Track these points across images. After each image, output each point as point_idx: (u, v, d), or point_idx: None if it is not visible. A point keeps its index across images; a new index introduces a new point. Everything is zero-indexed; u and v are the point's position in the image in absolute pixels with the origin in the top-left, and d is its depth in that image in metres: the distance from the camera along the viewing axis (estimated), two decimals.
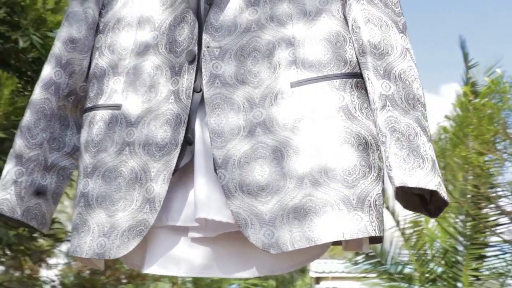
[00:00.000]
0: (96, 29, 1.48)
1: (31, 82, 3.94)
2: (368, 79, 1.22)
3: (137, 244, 1.27)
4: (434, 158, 1.15)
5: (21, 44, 3.59)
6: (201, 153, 1.29)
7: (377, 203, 1.17)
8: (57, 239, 4.60)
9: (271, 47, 1.30)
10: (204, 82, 1.30)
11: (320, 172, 1.19)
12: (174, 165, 1.27)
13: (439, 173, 1.14)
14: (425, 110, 1.20)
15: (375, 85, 1.20)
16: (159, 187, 1.27)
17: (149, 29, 1.42)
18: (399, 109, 1.18)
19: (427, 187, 1.11)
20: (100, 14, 1.50)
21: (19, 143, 1.39)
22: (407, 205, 1.21)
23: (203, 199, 1.26)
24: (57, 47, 1.45)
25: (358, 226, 1.15)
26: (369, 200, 1.17)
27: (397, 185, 1.12)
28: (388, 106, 1.18)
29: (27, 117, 1.41)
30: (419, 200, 1.22)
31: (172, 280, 9.80)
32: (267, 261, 1.27)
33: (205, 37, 1.33)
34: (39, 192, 1.40)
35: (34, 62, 3.95)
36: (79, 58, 1.46)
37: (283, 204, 1.20)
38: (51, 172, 1.43)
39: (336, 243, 1.32)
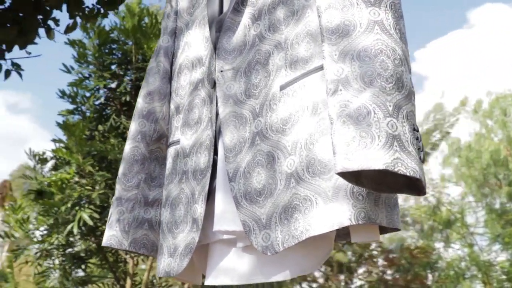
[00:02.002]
0: (170, 77, 1.68)
1: None
2: (325, 68, 1.17)
3: (194, 260, 1.45)
4: (396, 131, 1.04)
5: None
6: (220, 170, 1.40)
7: (354, 190, 1.14)
8: None
9: (267, 56, 1.37)
10: (219, 104, 1.41)
11: (303, 169, 1.21)
12: (207, 185, 1.41)
13: (404, 146, 1.04)
14: (390, 82, 1.09)
15: (328, 72, 1.15)
16: (200, 207, 1.41)
17: (198, 66, 1.57)
18: (352, 90, 1.10)
19: (372, 168, 1.01)
20: (171, 63, 1.69)
21: (117, 188, 1.61)
22: (380, 188, 1.13)
23: (219, 212, 1.37)
24: (139, 103, 1.66)
25: (333, 218, 1.14)
26: (345, 190, 1.15)
27: (338, 171, 1.05)
28: (340, 90, 1.11)
29: (122, 167, 1.63)
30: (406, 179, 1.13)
31: None
32: (297, 260, 1.31)
33: (218, 62, 1.44)
34: (144, 224, 1.59)
35: None
36: (158, 106, 1.65)
37: (275, 206, 1.25)
38: (154, 206, 1.62)
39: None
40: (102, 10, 4.00)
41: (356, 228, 1.26)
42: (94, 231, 7.22)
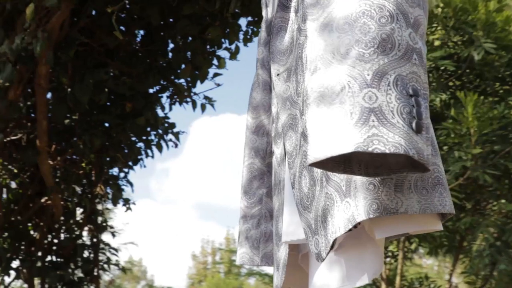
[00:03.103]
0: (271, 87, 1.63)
1: None
2: (306, 48, 1.08)
3: (305, 270, 1.43)
4: (376, 103, 0.91)
5: (476, 57, 4.25)
6: (286, 178, 1.36)
7: (364, 180, 1.04)
8: None
9: (303, 49, 1.26)
10: (278, 108, 1.37)
11: None
12: (283, 197, 1.37)
13: (385, 118, 0.91)
14: (371, 47, 0.96)
15: (307, 51, 1.05)
16: (280, 221, 1.40)
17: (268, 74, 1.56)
18: (329, 66, 0.98)
19: (339, 152, 0.90)
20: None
21: (242, 205, 1.62)
22: (378, 172, 1.02)
23: (285, 223, 1.34)
24: (247, 120, 1.63)
25: (347, 215, 1.05)
26: (355, 181, 1.06)
27: (308, 163, 0.97)
28: (319, 69, 1.00)
29: (243, 181, 1.62)
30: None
31: None
32: (371, 261, 1.23)
33: (273, 66, 1.38)
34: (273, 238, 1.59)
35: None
36: (265, 118, 1.60)
37: (317, 209, 1.17)
38: None
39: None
40: (255, 29, 4.25)
41: (377, 222, 1.12)
42: None
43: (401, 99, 0.92)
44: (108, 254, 5.72)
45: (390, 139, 0.88)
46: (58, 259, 5.35)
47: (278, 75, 1.36)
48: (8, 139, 4.76)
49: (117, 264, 5.71)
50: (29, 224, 5.43)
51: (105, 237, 5.88)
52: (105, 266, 5.67)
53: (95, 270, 5.49)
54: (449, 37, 6.32)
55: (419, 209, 1.05)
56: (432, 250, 6.82)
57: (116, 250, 5.69)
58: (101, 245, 5.60)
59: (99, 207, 5.63)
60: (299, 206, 1.24)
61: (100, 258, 5.68)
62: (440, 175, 1.11)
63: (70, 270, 5.29)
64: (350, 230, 1.10)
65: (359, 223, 1.08)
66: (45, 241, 5.35)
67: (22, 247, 5.30)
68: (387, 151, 0.87)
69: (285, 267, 1.38)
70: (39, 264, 5.24)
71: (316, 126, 0.96)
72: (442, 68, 6.11)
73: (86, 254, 5.51)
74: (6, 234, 5.21)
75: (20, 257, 5.23)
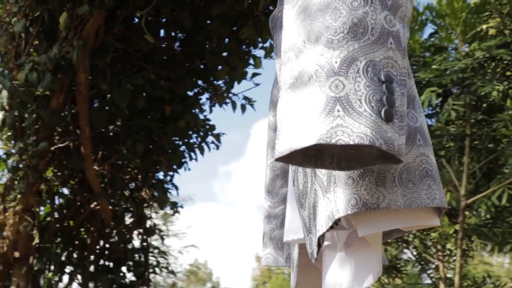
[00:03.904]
0: None
1: None
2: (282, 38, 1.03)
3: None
4: (342, 91, 0.85)
5: None
6: (290, 177, 1.35)
7: (342, 174, 1.00)
8: None
9: None
10: None
11: None
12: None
13: (352, 107, 0.85)
14: (340, 32, 0.90)
15: (282, 41, 1.02)
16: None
17: None
18: (299, 55, 0.95)
19: (300, 146, 0.85)
20: None
21: (265, 205, 1.59)
22: (351, 165, 0.96)
23: (287, 222, 1.33)
24: (269, 119, 1.58)
25: (327, 211, 1.02)
26: (334, 175, 1.02)
27: (275, 157, 0.91)
28: (290, 59, 0.97)
29: (266, 181, 1.59)
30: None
31: None
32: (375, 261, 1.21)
33: (277, 61, 1.34)
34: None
35: None
36: None
37: (309, 206, 1.14)
38: None
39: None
40: None
41: (360, 218, 1.05)
42: None
43: (370, 86, 0.86)
44: (162, 256, 5.76)
45: (355, 129, 0.82)
46: (110, 263, 5.45)
47: (280, 70, 1.32)
48: (56, 146, 4.89)
49: (167, 267, 5.76)
50: (82, 230, 5.55)
51: (169, 241, 5.94)
52: (156, 269, 5.72)
53: (146, 273, 5.54)
54: (505, 25, 6.05)
55: (404, 203, 0.98)
56: (494, 247, 6.55)
57: (165, 253, 5.74)
58: (151, 249, 5.66)
59: (148, 211, 5.69)
60: (297, 204, 1.20)
61: (158, 261, 5.74)
62: (429, 167, 1.03)
63: (121, 274, 5.37)
64: (331, 227, 1.04)
65: (339, 219, 1.02)
66: (97, 246, 5.46)
67: (75, 252, 5.43)
68: (351, 142, 0.81)
69: (297, 267, 1.34)
70: (91, 268, 5.35)
71: (283, 119, 0.91)
72: (498, 57, 5.85)
73: (137, 257, 5.59)
74: (58, 239, 5.35)
75: (73, 262, 5.35)
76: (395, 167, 1.00)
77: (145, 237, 5.63)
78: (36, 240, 4.88)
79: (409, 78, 1.11)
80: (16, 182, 4.70)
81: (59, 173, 5.20)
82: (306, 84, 0.90)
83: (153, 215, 5.85)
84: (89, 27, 3.83)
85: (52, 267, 5.14)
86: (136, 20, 3.96)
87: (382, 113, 0.84)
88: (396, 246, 7.48)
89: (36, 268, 5.03)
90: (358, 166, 0.95)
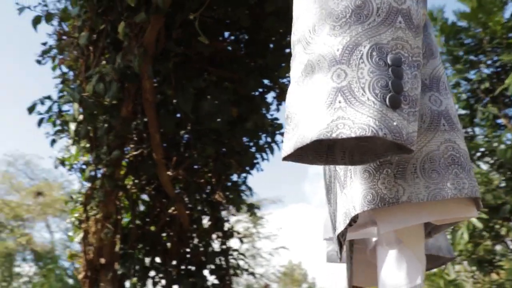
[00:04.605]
0: None
1: None
2: None
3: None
4: (344, 81, 0.80)
5: None
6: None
7: (359, 169, 0.96)
8: None
9: None
10: None
11: None
12: None
13: (354, 96, 0.79)
14: (342, 17, 0.86)
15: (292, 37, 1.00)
16: None
17: None
18: (307, 46, 0.91)
19: (301, 145, 0.80)
20: None
21: (326, 202, 1.68)
22: (366, 159, 0.89)
23: (324, 221, 1.32)
24: None
25: (345, 208, 0.97)
26: (350, 170, 0.99)
27: (282, 158, 0.88)
28: (298, 52, 0.93)
29: (325, 176, 1.64)
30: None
31: None
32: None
33: None
34: None
35: None
36: None
37: (334, 202, 1.11)
38: None
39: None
40: None
41: (380, 214, 0.99)
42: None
43: (375, 72, 0.80)
44: (241, 259, 5.77)
45: (357, 120, 0.76)
46: (191, 267, 5.51)
47: None
48: (131, 154, 5.02)
49: (247, 269, 5.75)
50: (163, 235, 5.66)
51: (261, 243, 5.99)
52: (238, 271, 5.73)
53: (227, 276, 5.56)
54: None
55: (427, 196, 0.89)
56: None
57: (244, 255, 5.73)
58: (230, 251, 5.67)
59: (225, 214, 5.71)
60: (326, 199, 1.18)
61: (238, 264, 5.76)
62: (456, 154, 0.93)
63: (203, 277, 5.42)
64: (350, 225, 0.98)
65: (357, 216, 0.97)
66: (178, 250, 5.54)
67: (157, 257, 5.54)
68: (353, 135, 0.75)
69: (349, 263, 1.30)
70: (174, 272, 5.44)
71: (289, 116, 0.87)
72: None
73: (218, 261, 5.62)
74: (140, 245, 5.48)
75: (156, 267, 5.46)
76: (416, 157, 0.91)
77: (224, 240, 5.65)
78: (118, 247, 5.02)
79: (433, 57, 1.03)
80: (95, 191, 4.86)
81: (136, 181, 5.33)
82: (311, 77, 0.85)
83: (243, 217, 5.88)
84: (148, 34, 3.88)
85: (136, 272, 5.27)
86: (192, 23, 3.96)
87: (387, 99, 0.78)
88: (490, 239, 7.07)
89: (120, 273, 5.18)
90: (371, 160, 0.89)
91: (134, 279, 5.27)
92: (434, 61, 1.02)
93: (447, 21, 7.73)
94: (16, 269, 19.51)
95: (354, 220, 1.00)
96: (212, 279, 5.55)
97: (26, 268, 19.50)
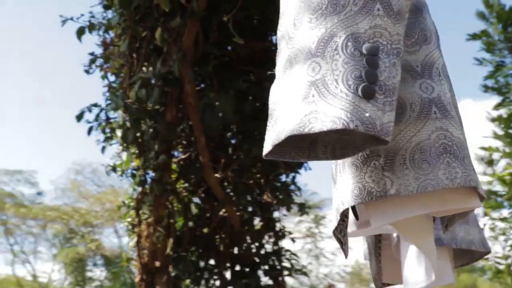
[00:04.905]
0: None
1: None
2: None
3: None
4: (318, 74, 0.79)
5: None
6: None
7: (347, 162, 0.94)
8: None
9: None
10: None
11: None
12: None
13: (327, 89, 0.77)
14: (318, 9, 0.85)
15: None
16: None
17: None
18: (288, 42, 0.91)
19: (282, 138, 0.78)
20: None
21: None
22: (346, 152, 0.87)
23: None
24: None
25: (336, 204, 0.95)
26: (339, 164, 0.96)
27: (264, 155, 0.85)
28: (283, 48, 0.94)
29: None
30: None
31: None
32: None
33: None
34: None
35: None
36: None
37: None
38: None
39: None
40: None
41: (371, 208, 0.94)
42: None
43: (349, 63, 0.78)
44: (293, 259, 5.74)
45: (330, 113, 0.74)
46: (245, 268, 5.53)
47: None
48: (179, 158, 5.09)
49: (300, 270, 5.71)
50: (216, 237, 5.71)
51: (324, 243, 5.96)
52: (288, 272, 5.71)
53: (280, 276, 5.55)
54: None
55: (417, 187, 0.84)
56: None
57: (296, 255, 5.69)
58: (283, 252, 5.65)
59: (277, 214, 5.70)
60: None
61: (292, 264, 5.74)
62: (448, 142, 0.87)
63: (256, 278, 5.43)
64: (342, 220, 0.96)
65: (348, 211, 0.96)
66: (231, 252, 5.58)
67: (211, 259, 5.59)
68: (324, 129, 0.73)
69: (374, 258, 1.30)
70: (227, 274, 5.47)
71: (270, 113, 0.86)
72: None
73: (272, 261, 5.61)
74: (193, 247, 5.54)
75: (209, 268, 5.51)
76: (406, 148, 0.87)
77: (276, 240, 5.64)
78: (169, 249, 5.10)
79: (427, 43, 0.98)
80: (145, 196, 4.95)
81: (186, 184, 5.40)
82: (290, 72, 0.84)
83: (306, 218, 5.87)
84: (185, 38, 3.92)
85: (189, 275, 5.34)
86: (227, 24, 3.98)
87: (360, 90, 0.76)
88: None
89: (173, 275, 5.25)
90: (351, 153, 0.86)
91: (187, 281, 5.33)
92: (427, 47, 0.97)
93: (505, 7, 7.44)
94: (88, 274, 20.21)
95: (345, 215, 0.97)
96: (266, 280, 5.54)
97: (98, 273, 20.17)
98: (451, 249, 1.45)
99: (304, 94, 0.78)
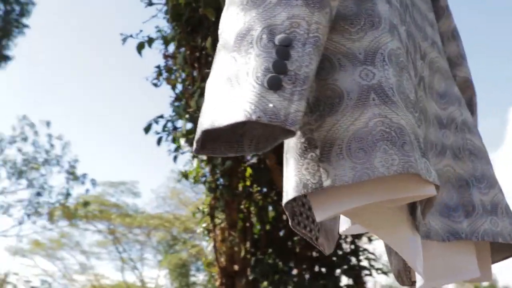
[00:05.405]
0: None
1: None
2: None
3: None
4: (234, 68, 0.79)
5: None
6: None
7: (288, 155, 0.95)
8: None
9: None
10: None
11: None
12: None
13: (238, 81, 0.78)
14: (241, 3, 0.85)
15: None
16: None
17: None
18: (219, 36, 0.92)
19: (197, 137, 0.79)
20: None
21: None
22: (264, 146, 0.87)
23: None
24: None
25: (284, 199, 0.94)
26: (286, 158, 0.95)
27: (194, 152, 0.84)
28: (220, 45, 0.93)
29: None
30: None
31: None
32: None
33: None
34: None
35: None
36: None
37: None
38: None
39: None
40: None
41: (316, 201, 0.91)
42: None
43: (261, 55, 0.78)
44: (371, 258, 5.63)
45: (236, 106, 0.75)
46: (322, 269, 5.48)
47: None
48: (247, 163, 5.14)
49: (380, 269, 5.57)
50: (294, 238, 5.70)
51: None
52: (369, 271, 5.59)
53: (359, 276, 5.45)
54: None
55: (353, 177, 0.82)
56: None
57: (374, 254, 5.57)
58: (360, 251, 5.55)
59: None
60: None
61: (370, 263, 5.63)
62: (386, 129, 0.84)
63: (334, 279, 5.37)
64: (301, 215, 0.98)
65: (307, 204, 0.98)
66: (309, 253, 5.55)
67: (289, 261, 5.59)
68: (227, 123, 0.74)
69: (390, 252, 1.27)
70: (307, 276, 5.45)
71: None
72: None
73: (351, 261, 5.54)
74: (270, 250, 5.57)
75: (287, 271, 5.51)
76: (342, 137, 0.85)
77: (353, 239, 5.55)
78: (247, 253, 5.17)
79: (373, 28, 0.94)
80: (217, 202, 5.05)
81: (258, 188, 5.45)
82: (214, 69, 0.84)
83: None
84: None
85: (267, 277, 5.37)
86: None
87: (265, 81, 0.76)
88: None
89: (251, 278, 5.31)
90: (269, 146, 0.85)
91: (265, 283, 5.36)
92: (374, 32, 0.93)
93: None
94: (192, 279, 20.83)
95: (309, 208, 0.99)
96: (345, 280, 5.47)
97: (201, 277, 20.74)
98: (474, 243, 1.36)
99: (218, 92, 0.79)
